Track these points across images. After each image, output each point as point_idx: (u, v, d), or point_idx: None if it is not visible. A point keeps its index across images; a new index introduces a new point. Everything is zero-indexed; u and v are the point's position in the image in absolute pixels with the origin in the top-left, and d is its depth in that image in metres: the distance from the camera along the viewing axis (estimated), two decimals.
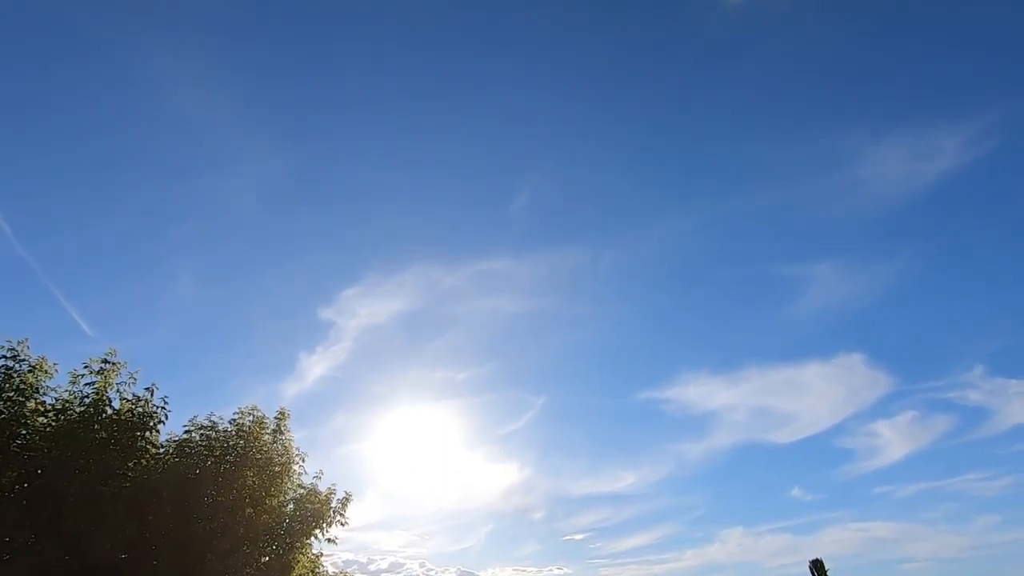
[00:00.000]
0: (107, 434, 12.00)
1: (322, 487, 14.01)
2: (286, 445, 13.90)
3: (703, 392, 47.27)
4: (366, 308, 57.50)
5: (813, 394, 44.93)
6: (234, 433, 13.22)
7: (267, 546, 13.01)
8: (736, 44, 53.12)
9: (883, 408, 40.80)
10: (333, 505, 13.86)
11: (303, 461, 14.10)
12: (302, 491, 13.90)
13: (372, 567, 45.26)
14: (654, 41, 56.37)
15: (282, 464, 13.55)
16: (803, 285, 46.34)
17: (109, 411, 12.26)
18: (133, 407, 12.54)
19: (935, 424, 39.15)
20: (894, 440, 40.05)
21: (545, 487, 52.74)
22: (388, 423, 52.92)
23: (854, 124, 46.88)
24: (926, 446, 38.95)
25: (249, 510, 12.68)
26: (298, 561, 13.23)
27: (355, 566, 43.63)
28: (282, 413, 14.15)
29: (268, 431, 13.72)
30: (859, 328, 44.64)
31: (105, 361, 12.43)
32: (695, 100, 55.08)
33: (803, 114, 50.43)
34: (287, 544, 13.16)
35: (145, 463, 12.35)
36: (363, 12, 59.52)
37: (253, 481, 12.92)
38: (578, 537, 47.46)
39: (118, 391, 12.54)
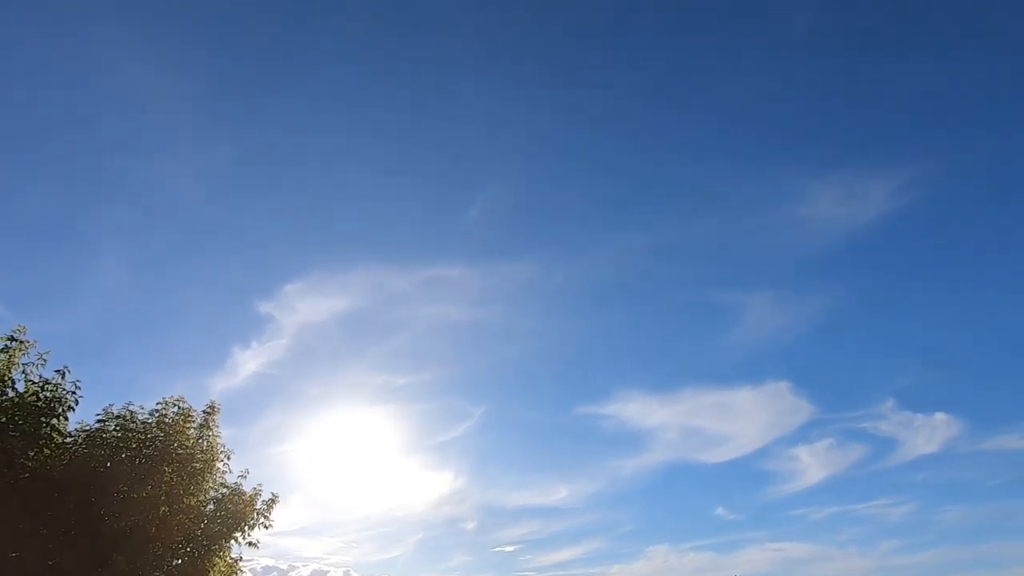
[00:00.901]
0: (6, 418, 10.89)
1: (247, 487, 13.26)
2: (212, 442, 13.06)
3: (640, 410, 48.38)
4: (308, 305, 55.52)
5: (742, 418, 46.88)
6: (154, 425, 12.32)
7: (181, 548, 12.14)
8: (696, 80, 55.44)
9: (804, 434, 43.09)
10: (258, 506, 13.13)
11: (228, 459, 13.31)
12: (225, 491, 13.09)
13: (293, 574, 43.27)
14: (622, 65, 57.97)
15: (205, 461, 12.72)
16: (740, 313, 48.55)
17: (11, 393, 11.14)
18: (40, 390, 11.44)
19: (849, 452, 41.72)
20: (812, 465, 42.33)
21: (478, 497, 52.22)
22: (322, 425, 51.04)
23: (797, 165, 49.88)
24: (840, 472, 41.43)
25: (164, 508, 11.80)
26: (214, 565, 12.40)
27: (275, 573, 41.59)
28: (212, 407, 13.32)
29: (194, 425, 12.86)
30: (788, 357, 47.15)
31: (11, 339, 11.30)
32: (654, 127, 56.98)
33: (752, 152, 53.20)
34: (204, 547, 12.33)
35: (49, 452, 11.28)
36: (331, 3, 58.30)
37: (171, 478, 12.05)
38: (508, 549, 47.19)
39: (24, 372, 11.42)
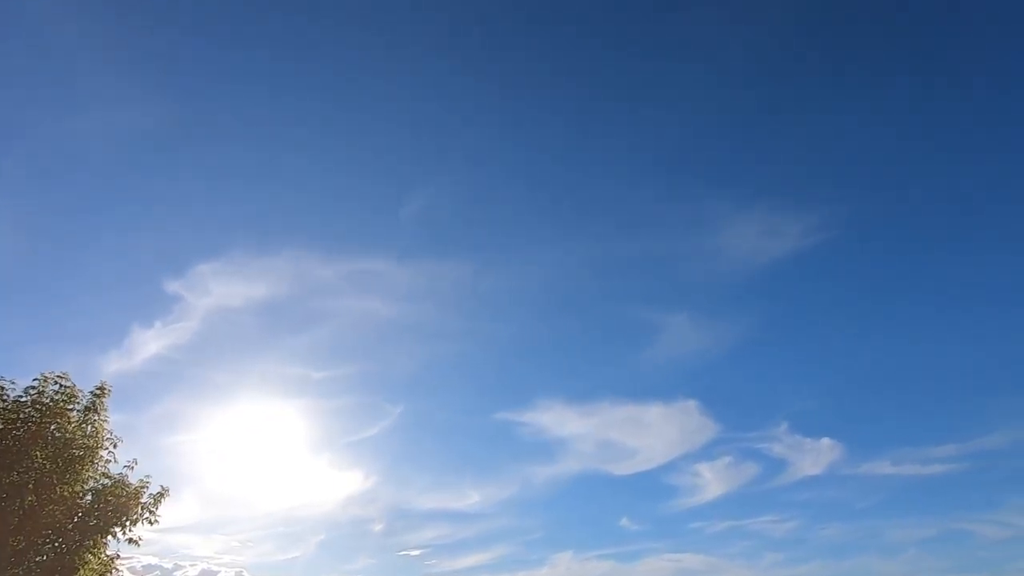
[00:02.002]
0: None
1: (133, 479, 12.17)
2: (97, 427, 11.90)
3: (557, 420, 49.31)
4: (223, 288, 52.13)
5: (652, 433, 48.94)
6: (28, 404, 11.07)
7: (47, 543, 10.95)
8: (637, 106, 57.68)
9: (707, 451, 45.70)
10: (143, 500, 12.06)
11: (115, 447, 12.18)
12: (107, 481, 11.94)
13: (178, 574, 40.20)
14: (571, 84, 59.23)
15: (87, 448, 11.56)
16: (658, 331, 50.85)
17: None
18: None
19: (745, 470, 44.68)
20: (712, 481, 44.91)
21: (388, 499, 50.94)
22: (226, 416, 47.97)
23: (723, 197, 53.15)
24: (735, 489, 44.25)
25: (31, 498, 10.60)
26: (85, 562, 11.24)
27: (157, 572, 38.52)
28: (101, 389, 12.17)
29: (78, 407, 11.68)
30: (698, 377, 49.89)
31: None
32: (594, 146, 58.59)
33: (683, 180, 56.07)
34: (75, 542, 11.17)
35: None
36: None
37: (44, 464, 10.85)
38: (414, 553, 46.36)
39: None
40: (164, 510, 12.27)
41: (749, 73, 52.47)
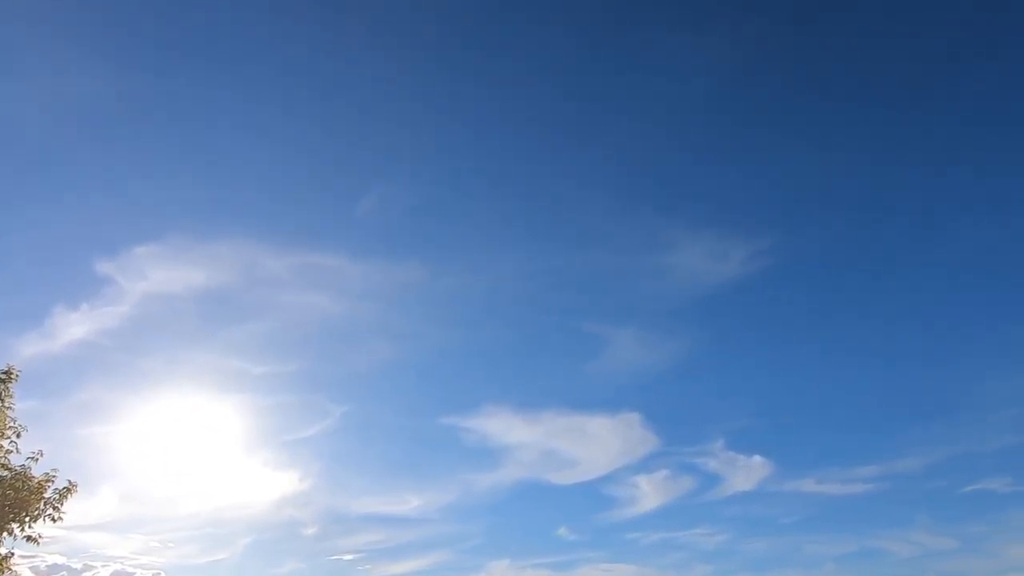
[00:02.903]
0: None
1: (37, 472, 11.31)
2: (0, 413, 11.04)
3: (502, 427, 49.40)
4: (160, 272, 49.61)
5: (595, 444, 49.71)
6: None
7: None
8: (599, 120, 58.90)
9: (646, 464, 46.85)
10: (47, 495, 11.24)
11: (19, 436, 11.30)
12: (5, 473, 11.04)
13: (88, 575, 37.71)
14: (535, 95, 59.89)
15: None
16: (607, 345, 51.92)
17: None
18: None
19: (681, 483, 46.02)
20: (649, 493, 46.00)
21: (324, 501, 49.48)
22: (155, 408, 45.49)
23: (674, 218, 55.02)
24: (671, 501, 45.50)
25: None
26: None
27: (64, 572, 35.99)
28: (8, 372, 11.30)
29: None
30: (642, 391, 51.21)
31: None
32: (554, 157, 59.39)
33: (637, 198, 57.72)
34: None
35: None
36: None
37: None
38: (347, 557, 45.18)
39: None
40: (75, 506, 11.48)
41: (706, 105, 54.70)
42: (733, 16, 49.03)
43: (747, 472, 45.60)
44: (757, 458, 45.91)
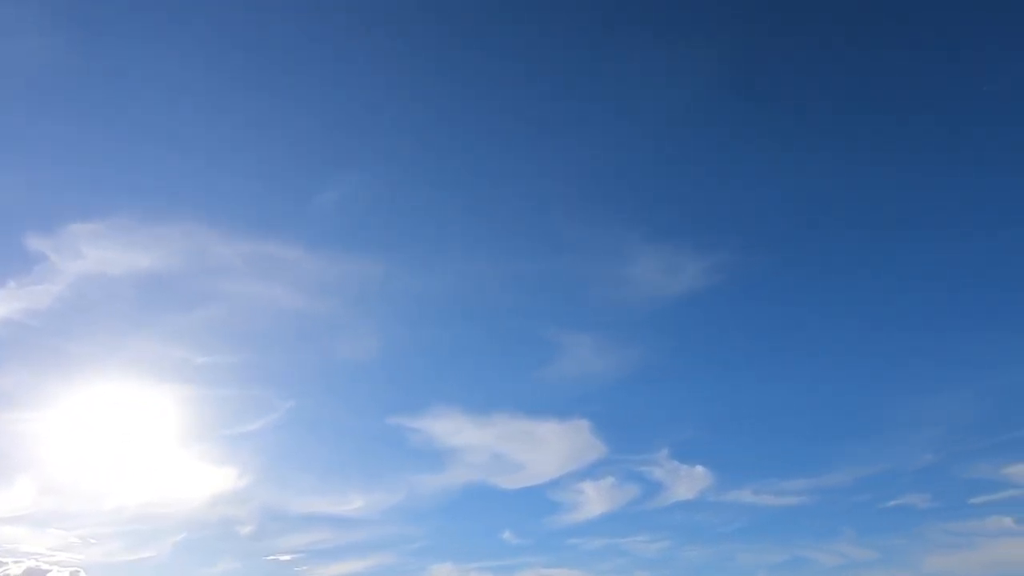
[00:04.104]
0: None
1: None
2: None
3: (451, 429, 49.12)
4: (100, 252, 46.56)
5: (544, 449, 50.19)
6: None
7: None
8: (562, 129, 59.70)
9: (593, 471, 47.66)
10: None
11: None
12: None
13: None
14: (505, 96, 60.02)
15: None
16: (561, 351, 52.56)
17: None
18: None
19: (626, 491, 47.12)
20: (594, 499, 46.84)
21: (263, 499, 47.74)
22: (85, 396, 42.52)
23: (634, 230, 56.46)
24: (615, 508, 46.48)
25: None
26: None
27: None
28: None
29: None
30: (593, 399, 52.18)
31: None
32: (517, 160, 59.62)
33: (598, 207, 58.76)
34: None
35: None
36: None
37: None
38: (285, 558, 43.77)
39: None
40: None
41: (678, 119, 56.14)
42: (707, 34, 50.76)
43: (689, 482, 47.11)
44: (699, 468, 47.49)
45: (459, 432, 52.74)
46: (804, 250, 54.63)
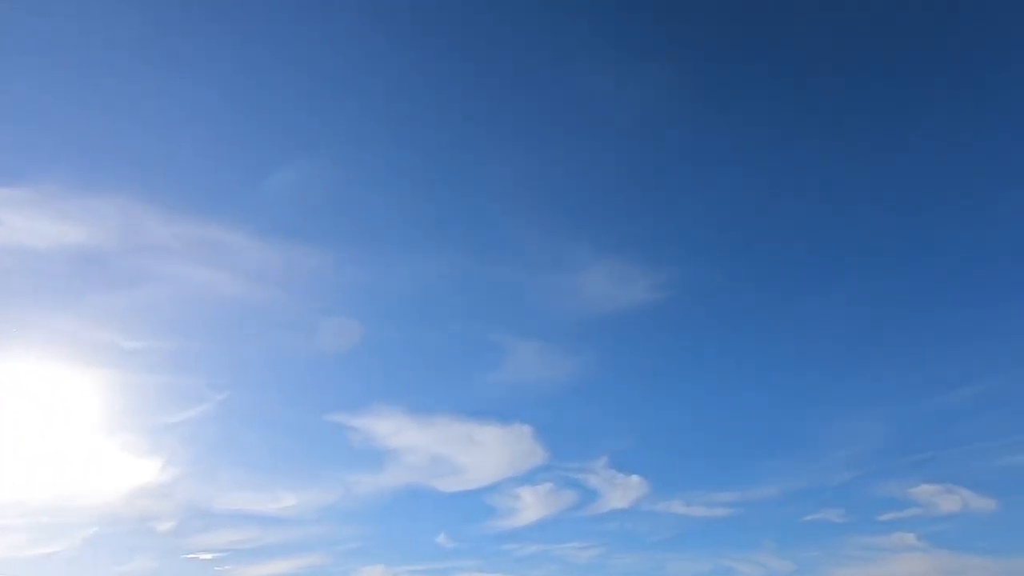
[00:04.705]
0: None
1: None
2: None
3: (392, 428, 48.50)
4: (24, 222, 43.32)
5: (484, 453, 50.31)
6: None
7: None
8: (521, 137, 60.32)
9: (532, 477, 48.16)
10: None
11: None
12: None
13: None
14: (470, 96, 60.01)
15: None
16: (508, 356, 53.00)
17: None
18: None
19: (563, 498, 47.79)
20: (531, 505, 47.25)
21: (186, 494, 45.52)
22: None
23: (585, 241, 57.81)
24: (551, 515, 47.07)
25: None
26: None
27: None
28: None
29: None
30: (536, 405, 52.83)
31: None
32: (474, 162, 59.72)
33: (551, 216, 59.58)
34: None
35: None
36: None
37: None
38: (205, 556, 41.85)
39: None
40: None
41: (628, 133, 58.06)
42: (668, 50, 52.69)
43: (624, 490, 48.29)
44: (635, 478, 48.76)
45: (400, 432, 52.08)
46: (751, 269, 57.29)
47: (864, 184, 54.57)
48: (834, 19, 53.70)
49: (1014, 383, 42.72)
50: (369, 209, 62.47)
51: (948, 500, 39.05)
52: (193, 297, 54.13)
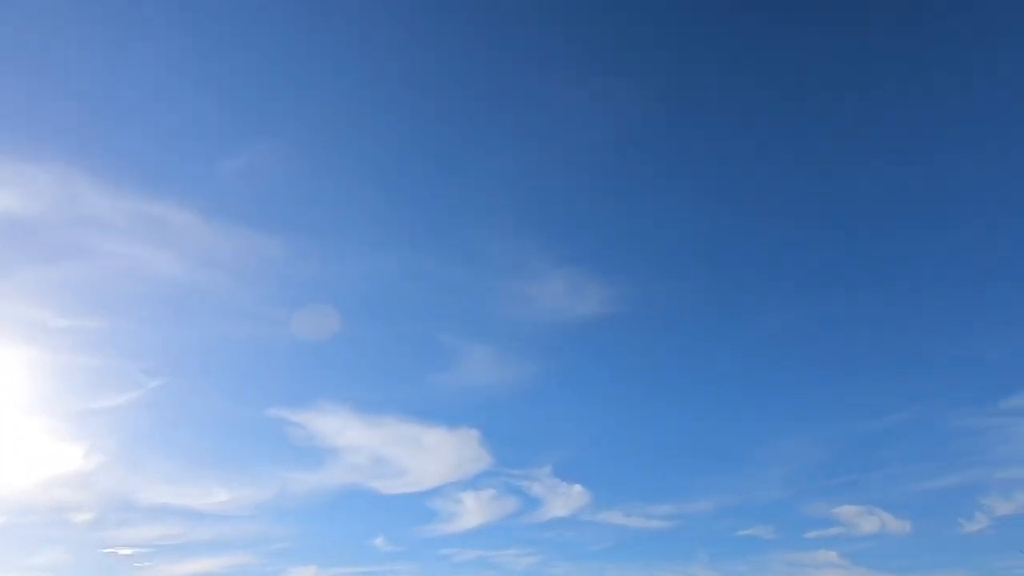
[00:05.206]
0: None
1: None
2: None
3: (337, 426, 47.38)
4: None
5: (430, 456, 49.79)
6: None
7: None
8: (490, 146, 60.60)
9: (475, 482, 48.03)
10: None
11: None
12: None
13: None
14: (439, 99, 59.74)
15: None
16: (460, 359, 52.86)
17: None
18: None
19: (505, 504, 47.87)
20: (472, 510, 47.07)
21: (109, 485, 42.98)
22: None
23: (544, 250, 58.51)
24: (492, 521, 47.04)
25: None
26: None
27: None
28: None
29: None
30: (485, 409, 52.83)
31: None
32: (438, 163, 59.45)
33: (512, 224, 60.24)
34: None
35: None
36: None
37: None
38: (125, 551, 39.66)
39: None
40: None
41: (595, 148, 59.32)
42: (638, 70, 54.17)
43: (567, 499, 48.78)
44: (578, 487, 49.35)
45: (344, 431, 50.92)
46: (702, 290, 59.20)
47: (816, 212, 57.29)
48: (797, 47, 56.48)
49: (931, 413, 45.79)
50: (328, 201, 61.09)
51: (868, 521, 41.40)
52: (132, 276, 51.23)
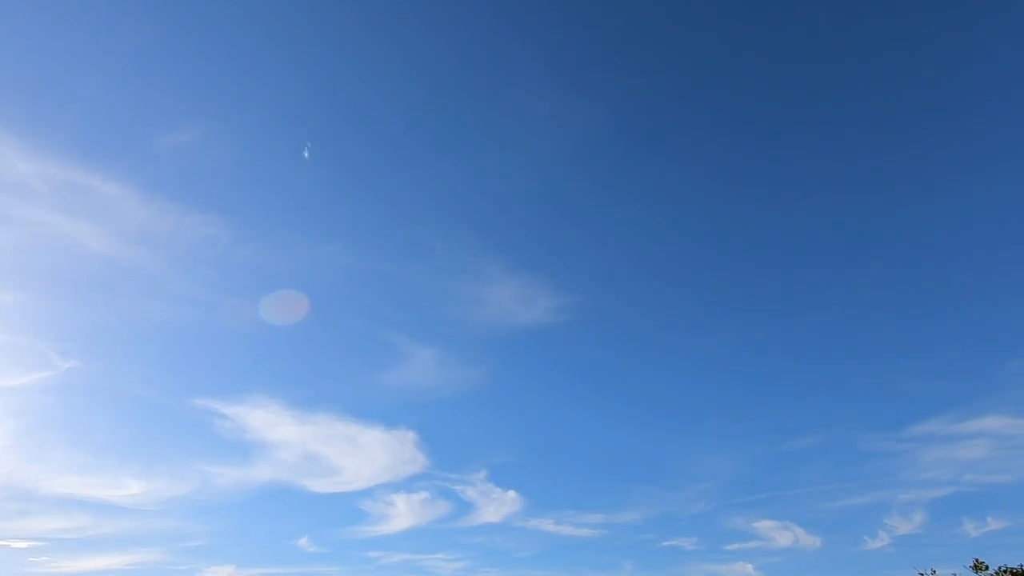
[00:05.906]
0: None
1: None
2: None
3: (268, 421, 45.68)
4: None
5: (364, 456, 48.81)
6: None
7: None
8: (446, 150, 60.43)
9: (409, 484, 47.48)
10: None
11: None
12: None
13: None
14: (402, 100, 58.91)
15: None
16: (403, 359, 52.23)
17: None
18: None
19: (437, 508, 47.49)
20: (404, 513, 46.46)
21: (7, 471, 39.73)
22: None
23: (495, 255, 58.78)
24: (422, 524, 46.59)
25: None
26: None
27: None
28: None
29: None
30: (424, 411, 52.31)
31: None
32: (393, 161, 59.00)
33: (463, 227, 60.50)
34: None
35: None
36: None
37: None
38: (19, 545, 36.74)
39: None
40: None
41: (553, 162, 60.47)
42: (598, 88, 55.57)
43: (499, 505, 49.03)
44: (512, 493, 49.70)
45: (275, 426, 49.03)
46: (646, 305, 61.08)
47: (754, 243, 60.39)
48: (757, 77, 59.40)
49: (844, 436, 49.28)
50: (269, 184, 58.72)
51: (783, 535, 43.89)
52: (52, 248, 47.59)
